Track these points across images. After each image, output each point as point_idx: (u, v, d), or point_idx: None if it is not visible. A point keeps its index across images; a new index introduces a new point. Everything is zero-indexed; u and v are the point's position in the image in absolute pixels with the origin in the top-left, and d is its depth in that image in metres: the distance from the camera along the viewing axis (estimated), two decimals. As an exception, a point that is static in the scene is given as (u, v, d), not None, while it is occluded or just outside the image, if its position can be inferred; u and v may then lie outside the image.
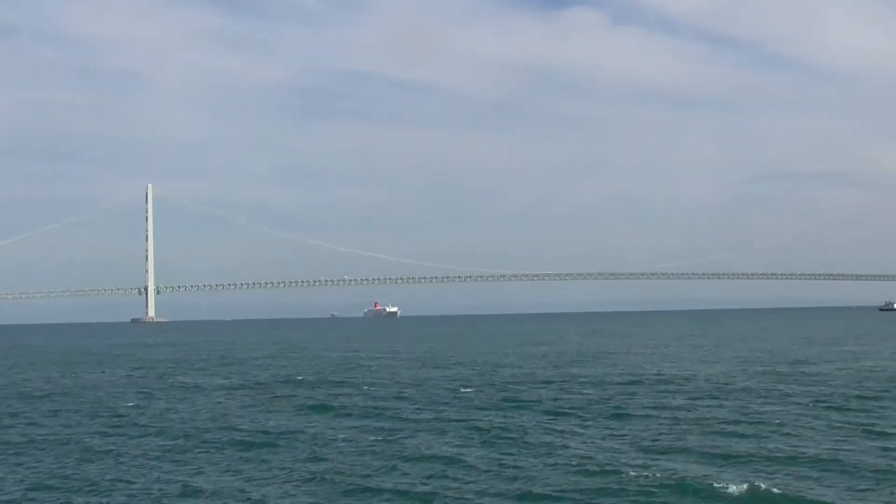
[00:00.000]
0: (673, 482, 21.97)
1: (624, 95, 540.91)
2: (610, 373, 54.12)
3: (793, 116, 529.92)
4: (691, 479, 22.08)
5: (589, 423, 32.39)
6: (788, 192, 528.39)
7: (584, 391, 43.24)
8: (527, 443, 28.03)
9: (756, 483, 21.45)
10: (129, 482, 23.90)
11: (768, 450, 25.92)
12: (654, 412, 34.50)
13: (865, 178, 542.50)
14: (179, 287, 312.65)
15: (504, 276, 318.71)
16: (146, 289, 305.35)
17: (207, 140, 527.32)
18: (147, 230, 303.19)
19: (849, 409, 34.44)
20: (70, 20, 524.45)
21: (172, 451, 28.45)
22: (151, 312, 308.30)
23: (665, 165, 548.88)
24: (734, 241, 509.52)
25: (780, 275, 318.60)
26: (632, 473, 22.92)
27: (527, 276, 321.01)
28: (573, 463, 24.58)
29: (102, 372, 66.72)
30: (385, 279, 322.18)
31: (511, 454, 26.23)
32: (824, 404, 35.99)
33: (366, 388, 47.43)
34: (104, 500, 22.24)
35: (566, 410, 35.71)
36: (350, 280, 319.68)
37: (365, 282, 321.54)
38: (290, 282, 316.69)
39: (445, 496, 21.49)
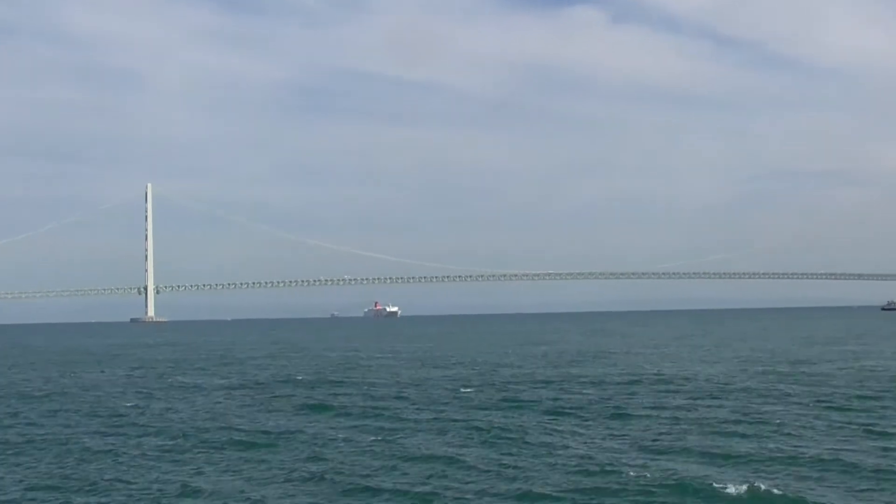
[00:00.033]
0: (673, 482, 21.94)
1: (625, 95, 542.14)
2: (610, 373, 54.09)
3: (793, 116, 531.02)
4: (691, 479, 22.05)
5: (589, 423, 32.36)
6: (789, 192, 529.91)
7: (585, 391, 43.21)
8: (527, 443, 28.00)
9: (756, 483, 21.41)
10: (128, 482, 23.88)
11: (769, 450, 25.88)
12: (654, 412, 34.47)
13: (866, 178, 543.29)
14: (179, 287, 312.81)
15: (504, 275, 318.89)
16: (146, 288, 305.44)
17: (207, 139, 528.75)
18: (147, 230, 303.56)
19: (850, 409, 34.40)
20: (70, 19, 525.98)
21: (172, 450, 28.42)
22: (151, 312, 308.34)
23: (665, 165, 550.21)
24: (734, 240, 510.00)
25: (781, 274, 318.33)
26: (632, 473, 22.89)
27: (527, 275, 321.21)
28: (573, 463, 24.56)
29: (102, 372, 66.70)
30: (385, 279, 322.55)
31: (511, 454, 26.20)
32: (825, 404, 35.96)
33: (365, 387, 47.40)
34: (104, 500, 22.22)
35: (566, 410, 35.67)
36: (350, 280, 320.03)
37: (365, 281, 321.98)
38: (290, 281, 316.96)
39: (445, 496, 21.46)
